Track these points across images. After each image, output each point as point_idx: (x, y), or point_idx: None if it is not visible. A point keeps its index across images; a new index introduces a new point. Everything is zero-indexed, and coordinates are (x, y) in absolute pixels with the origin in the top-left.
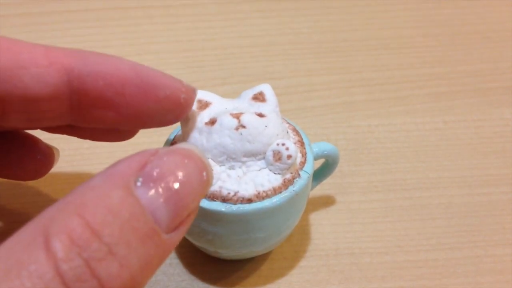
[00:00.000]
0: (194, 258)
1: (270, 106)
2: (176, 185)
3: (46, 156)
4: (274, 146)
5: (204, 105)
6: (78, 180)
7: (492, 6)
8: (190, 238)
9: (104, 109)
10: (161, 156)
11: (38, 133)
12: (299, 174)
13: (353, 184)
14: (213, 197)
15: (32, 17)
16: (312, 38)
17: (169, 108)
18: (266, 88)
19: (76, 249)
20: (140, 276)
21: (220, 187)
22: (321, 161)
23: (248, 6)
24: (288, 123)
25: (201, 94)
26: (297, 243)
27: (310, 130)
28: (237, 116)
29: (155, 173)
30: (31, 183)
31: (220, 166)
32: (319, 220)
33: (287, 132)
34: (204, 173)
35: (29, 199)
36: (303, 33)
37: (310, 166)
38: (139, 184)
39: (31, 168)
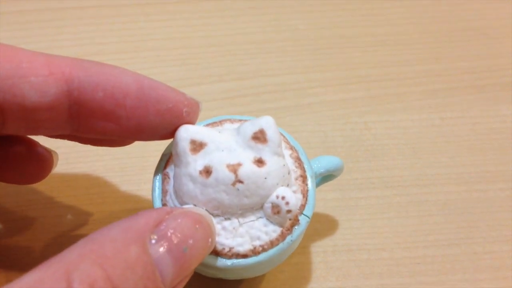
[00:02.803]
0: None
1: (271, 147)
2: (186, 248)
3: (45, 160)
4: (273, 199)
5: (199, 146)
6: (73, 178)
7: (489, 3)
8: None
9: (104, 120)
10: (176, 218)
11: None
12: (298, 220)
13: (350, 180)
14: None
15: (27, 14)
16: (308, 35)
17: (170, 122)
18: (267, 125)
19: None
20: None
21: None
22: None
23: (244, 3)
24: (285, 138)
25: (195, 133)
26: None
27: (306, 127)
28: (234, 169)
29: (169, 234)
30: None
31: (214, 217)
32: (316, 217)
33: (288, 173)
34: (210, 240)
35: (23, 198)
36: (300, 30)
37: (311, 208)
38: (153, 241)
39: (29, 172)
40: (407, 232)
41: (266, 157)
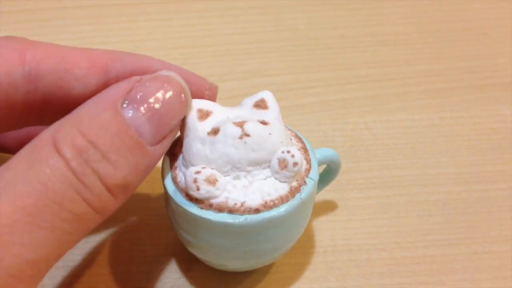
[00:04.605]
0: (198, 271)
1: (272, 113)
2: (157, 106)
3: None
4: (279, 154)
5: (205, 114)
6: None
7: (489, 3)
8: (196, 253)
9: None
10: (144, 82)
11: None
12: (305, 181)
13: (350, 180)
14: (219, 209)
15: (28, 14)
16: (308, 35)
17: None
18: (267, 95)
19: (78, 152)
20: (130, 177)
21: (226, 198)
22: (321, 167)
23: (244, 2)
24: (289, 129)
25: (201, 103)
26: None
27: (307, 127)
28: (240, 124)
29: (138, 96)
30: None
31: (225, 176)
32: (316, 217)
33: (291, 139)
34: (182, 95)
35: None
36: (300, 30)
37: (315, 173)
38: (125, 105)
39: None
40: (407, 232)
41: (268, 119)
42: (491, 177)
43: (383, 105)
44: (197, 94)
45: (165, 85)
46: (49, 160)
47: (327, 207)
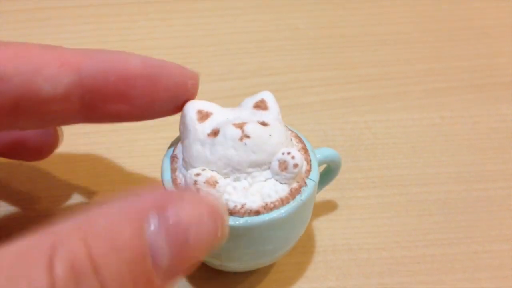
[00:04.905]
0: (198, 271)
1: (272, 114)
2: (189, 241)
3: (51, 136)
4: (279, 156)
5: (205, 115)
6: (73, 158)
7: (489, 2)
8: None
9: (118, 103)
10: (184, 205)
11: None
12: (305, 183)
13: (351, 180)
14: None
15: (27, 13)
16: (308, 34)
17: (178, 95)
18: (267, 96)
19: (73, 278)
20: None
21: (226, 200)
22: (322, 167)
23: (244, 2)
24: (290, 129)
25: (201, 105)
26: None
27: (306, 126)
28: (240, 126)
29: (171, 221)
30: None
31: (225, 178)
32: (316, 216)
33: (291, 140)
34: (220, 232)
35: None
36: (300, 29)
37: (316, 174)
38: (152, 228)
39: (36, 148)
40: (407, 231)
41: (268, 120)
42: (491, 176)
43: (383, 104)
44: (180, 85)
45: (206, 216)
46: (33, 280)
47: (327, 206)
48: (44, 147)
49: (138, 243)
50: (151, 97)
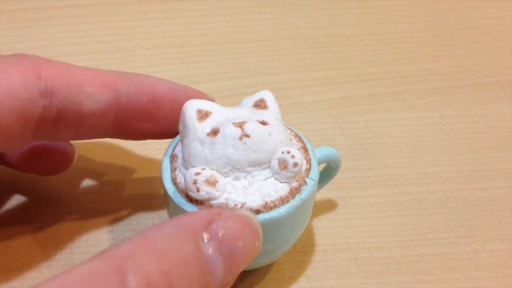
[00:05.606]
0: None
1: (272, 113)
2: (235, 250)
3: (67, 151)
4: (279, 155)
5: (205, 114)
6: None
7: (489, 2)
8: None
9: (146, 121)
10: (226, 219)
11: None
12: (305, 182)
13: (350, 179)
14: None
15: (26, 12)
16: (308, 33)
17: None
18: (267, 95)
19: None
20: None
21: (226, 199)
22: (322, 166)
23: (244, 1)
24: (289, 129)
25: (201, 104)
26: None
27: (307, 126)
28: (240, 125)
29: (220, 234)
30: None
31: (225, 177)
32: (316, 215)
33: (291, 139)
34: (257, 243)
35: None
36: (300, 28)
37: (316, 173)
38: (206, 240)
39: (53, 163)
40: (407, 230)
41: (268, 120)
42: (491, 176)
43: (383, 103)
44: None
45: (246, 229)
46: None
47: (327, 205)
48: (62, 162)
49: (199, 256)
50: (175, 117)
